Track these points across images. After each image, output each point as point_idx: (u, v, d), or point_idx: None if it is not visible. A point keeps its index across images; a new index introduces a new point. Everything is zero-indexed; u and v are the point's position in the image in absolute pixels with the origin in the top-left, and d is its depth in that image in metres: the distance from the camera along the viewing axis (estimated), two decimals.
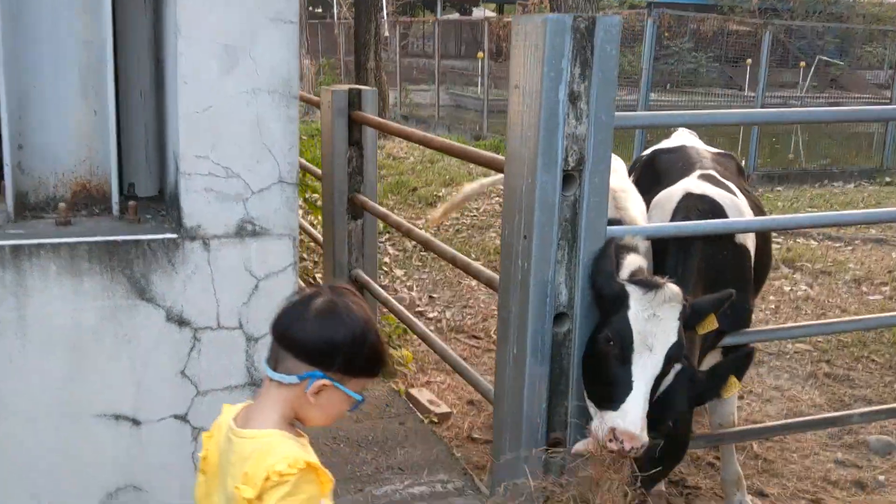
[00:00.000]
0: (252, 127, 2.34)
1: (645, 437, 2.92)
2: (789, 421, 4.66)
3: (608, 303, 3.19)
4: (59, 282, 2.25)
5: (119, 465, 2.39)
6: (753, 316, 7.22)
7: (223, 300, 2.42)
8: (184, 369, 2.42)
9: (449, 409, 5.01)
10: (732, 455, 4.34)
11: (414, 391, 5.26)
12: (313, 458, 1.87)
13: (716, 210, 3.93)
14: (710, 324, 3.27)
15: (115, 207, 2.46)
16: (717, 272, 3.73)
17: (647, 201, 4.21)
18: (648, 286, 3.14)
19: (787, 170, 14.76)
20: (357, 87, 5.47)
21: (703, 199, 3.97)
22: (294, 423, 1.94)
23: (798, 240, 9.60)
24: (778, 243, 9.42)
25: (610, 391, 3.05)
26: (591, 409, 3.17)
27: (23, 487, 2.31)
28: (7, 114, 2.34)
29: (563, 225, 3.19)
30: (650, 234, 3.51)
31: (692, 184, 4.13)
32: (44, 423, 2.09)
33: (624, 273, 3.42)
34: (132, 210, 2.43)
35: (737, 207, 4.05)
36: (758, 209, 4.50)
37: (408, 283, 7.88)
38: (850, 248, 9.48)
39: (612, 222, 3.67)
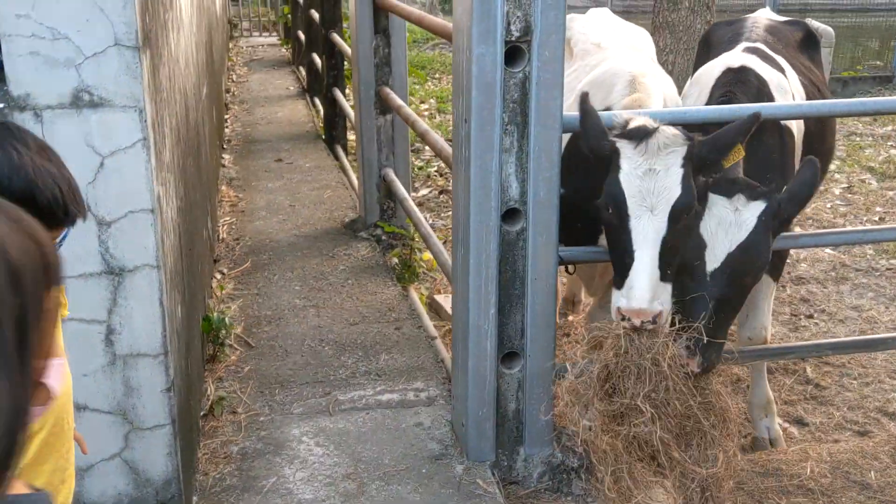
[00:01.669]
0: None
1: (658, 307, 2.64)
2: (819, 342, 4.06)
3: (605, 164, 2.78)
4: None
5: None
6: (847, 225, 6.51)
7: None
8: None
9: None
10: (762, 376, 3.86)
11: (440, 297, 5.00)
12: None
13: (761, 87, 3.38)
14: (738, 153, 2.81)
15: None
16: (752, 156, 3.14)
17: None
18: (639, 136, 2.71)
19: None
20: None
21: (745, 72, 3.41)
22: None
23: None
24: None
25: (618, 264, 2.75)
26: None
27: None
28: None
29: (510, 107, 2.78)
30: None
31: (733, 58, 3.57)
32: None
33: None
34: None
35: (780, 86, 3.47)
36: (814, 87, 3.87)
37: None
38: None
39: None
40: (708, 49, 4.18)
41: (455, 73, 2.90)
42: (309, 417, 3.42)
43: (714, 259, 2.73)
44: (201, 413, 3.34)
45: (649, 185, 2.67)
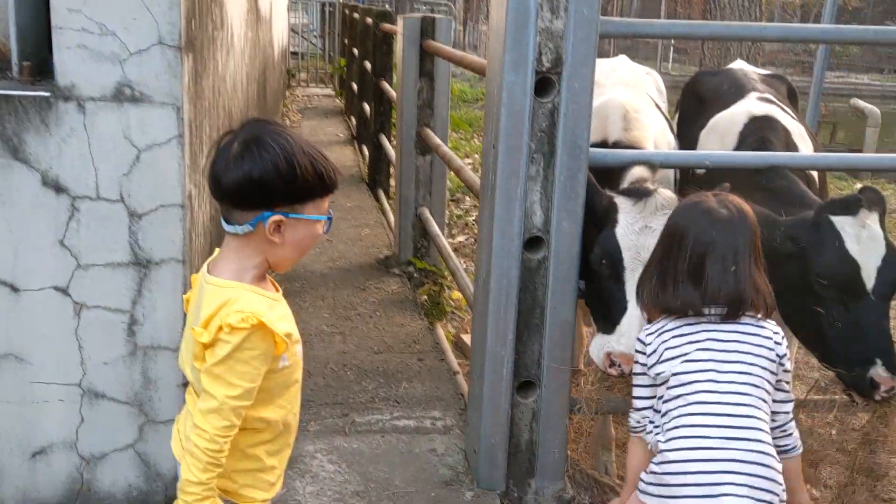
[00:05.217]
0: None
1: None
2: None
3: (597, 216, 2.89)
4: None
5: None
6: None
7: (102, 169, 2.32)
8: (62, 239, 2.34)
9: None
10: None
11: (466, 336, 5.02)
12: (273, 317, 1.82)
13: (787, 136, 3.41)
14: None
15: (15, 69, 2.40)
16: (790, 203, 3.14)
17: (692, 129, 3.73)
18: (638, 195, 2.83)
19: None
20: (431, 15, 5.24)
21: (771, 121, 3.43)
22: (267, 274, 1.94)
23: None
24: None
25: (607, 313, 2.85)
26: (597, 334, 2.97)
27: None
28: None
29: (537, 136, 2.83)
30: (646, 161, 3.05)
31: (754, 106, 3.58)
32: None
33: (623, 185, 3.04)
34: (26, 70, 2.37)
35: (801, 135, 3.50)
36: (814, 139, 3.89)
37: None
38: None
39: (617, 145, 3.28)
40: (700, 98, 4.09)
41: (487, 101, 2.98)
42: (324, 436, 3.44)
43: (869, 277, 2.72)
44: None
45: (645, 242, 2.77)
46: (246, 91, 4.39)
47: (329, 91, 15.56)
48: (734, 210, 2.26)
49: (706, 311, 2.25)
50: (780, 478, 2.15)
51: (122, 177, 2.34)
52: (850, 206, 2.74)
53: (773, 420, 2.26)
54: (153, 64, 2.27)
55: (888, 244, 2.73)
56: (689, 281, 2.24)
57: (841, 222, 2.72)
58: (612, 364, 2.75)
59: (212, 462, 1.79)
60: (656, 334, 2.32)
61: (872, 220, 2.72)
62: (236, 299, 1.79)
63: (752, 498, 2.10)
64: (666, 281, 2.29)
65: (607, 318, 2.84)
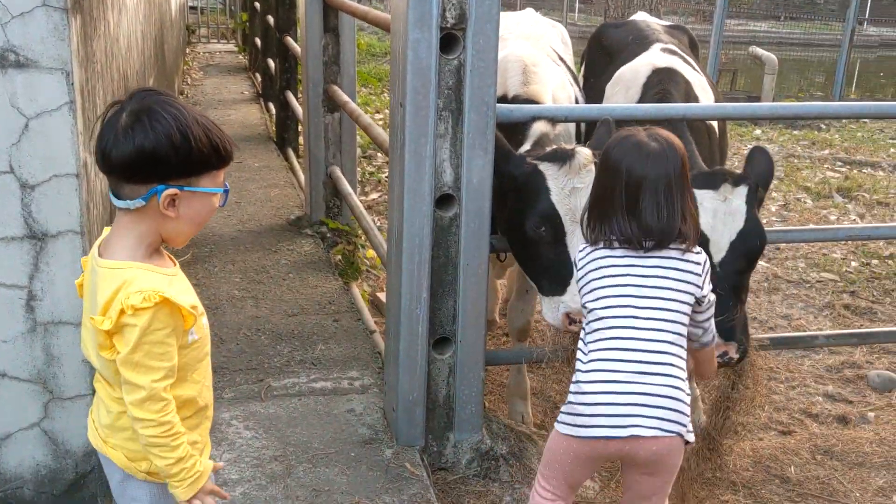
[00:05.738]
0: None
1: None
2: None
3: (522, 184, 2.90)
4: None
5: None
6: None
7: None
8: None
9: None
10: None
11: (381, 294, 5.01)
12: (174, 291, 1.77)
13: (687, 88, 3.48)
14: None
15: None
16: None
17: (599, 81, 3.78)
18: (560, 159, 2.89)
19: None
20: None
21: (672, 73, 3.50)
22: (162, 248, 1.86)
23: (864, 170, 8.77)
24: (840, 172, 8.64)
25: (554, 276, 2.91)
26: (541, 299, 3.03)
27: None
28: None
29: (445, 93, 2.82)
30: (550, 116, 3.09)
31: (657, 58, 3.65)
32: None
33: (528, 143, 3.08)
34: None
35: (702, 86, 3.58)
36: (714, 89, 4.01)
37: None
38: None
39: (516, 100, 3.30)
40: (605, 50, 4.17)
41: (393, 59, 2.94)
42: (240, 402, 3.40)
43: (719, 251, 2.80)
44: None
45: (576, 202, 2.86)
46: (142, 51, 4.22)
47: (232, 47, 15.11)
48: (664, 142, 2.30)
49: (638, 243, 2.29)
50: (688, 410, 2.27)
51: (10, 147, 2.23)
52: (713, 181, 2.82)
53: (692, 326, 2.38)
54: (38, 27, 2.16)
55: (749, 219, 2.80)
56: (625, 214, 2.28)
57: (701, 196, 2.78)
58: (573, 322, 2.82)
59: (173, 436, 1.78)
60: (586, 259, 2.38)
61: (737, 194, 2.80)
62: (133, 279, 1.73)
63: (661, 429, 2.22)
64: (604, 215, 2.33)
65: (554, 281, 2.90)
